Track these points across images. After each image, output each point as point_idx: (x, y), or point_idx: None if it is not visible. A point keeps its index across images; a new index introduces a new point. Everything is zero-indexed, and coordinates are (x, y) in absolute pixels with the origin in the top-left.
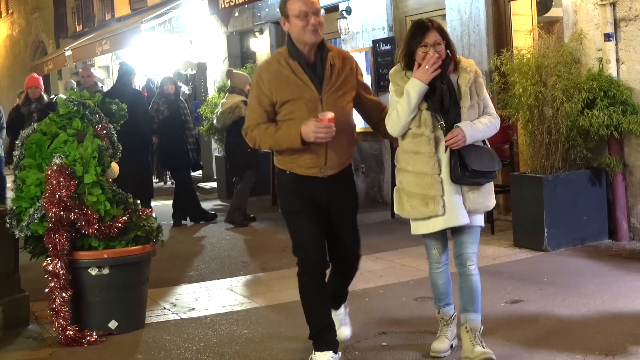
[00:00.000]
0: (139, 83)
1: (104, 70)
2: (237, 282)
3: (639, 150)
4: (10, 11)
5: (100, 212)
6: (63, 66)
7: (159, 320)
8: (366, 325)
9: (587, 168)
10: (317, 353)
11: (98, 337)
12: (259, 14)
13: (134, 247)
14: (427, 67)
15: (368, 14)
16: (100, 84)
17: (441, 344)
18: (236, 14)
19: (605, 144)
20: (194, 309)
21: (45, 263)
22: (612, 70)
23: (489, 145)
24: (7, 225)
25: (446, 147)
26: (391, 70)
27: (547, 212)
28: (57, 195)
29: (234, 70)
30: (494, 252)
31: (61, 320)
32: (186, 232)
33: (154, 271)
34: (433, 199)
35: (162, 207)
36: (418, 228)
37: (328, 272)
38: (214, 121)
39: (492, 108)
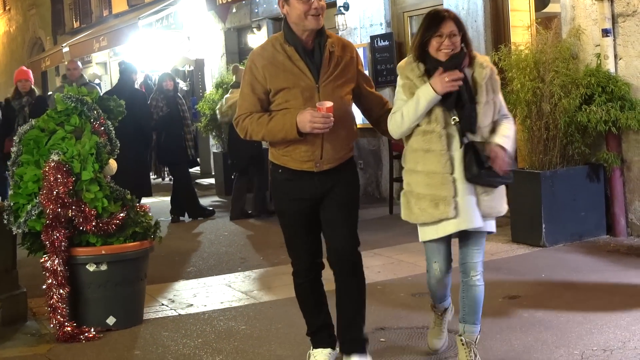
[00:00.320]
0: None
1: (102, 67)
2: (235, 278)
3: (636, 146)
4: (7, 7)
5: (97, 209)
6: (60, 62)
7: (157, 317)
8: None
9: (585, 164)
10: (315, 350)
11: (96, 333)
12: (256, 10)
13: (131, 244)
14: (447, 78)
15: (366, 10)
16: (97, 80)
17: (437, 340)
18: (234, 10)
19: (603, 139)
20: (192, 305)
21: (42, 260)
22: (610, 66)
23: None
24: (5, 222)
25: (461, 143)
26: (401, 62)
27: (545, 208)
28: (54, 192)
29: (240, 66)
30: (491, 247)
31: (59, 317)
32: (184, 228)
33: (152, 267)
34: (444, 200)
35: (160, 203)
36: (426, 233)
37: (326, 273)
38: (218, 116)
39: (506, 109)
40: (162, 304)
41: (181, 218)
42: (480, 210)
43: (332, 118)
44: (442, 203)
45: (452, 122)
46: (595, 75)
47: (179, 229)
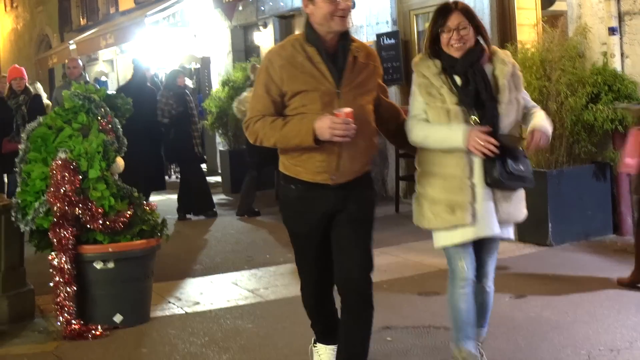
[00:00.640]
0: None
1: (108, 64)
2: (242, 277)
3: None
4: (14, 5)
5: (104, 207)
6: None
7: (164, 314)
8: None
9: (592, 163)
10: (320, 345)
11: (103, 331)
12: (262, 8)
13: (138, 241)
14: (481, 142)
15: (372, 8)
16: (104, 77)
17: None
18: (240, 8)
19: (610, 138)
20: (198, 303)
21: (50, 257)
22: (616, 64)
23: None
24: (13, 219)
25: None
26: (415, 59)
27: (551, 207)
28: (61, 190)
29: (257, 65)
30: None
31: (66, 315)
32: (191, 226)
33: (159, 265)
34: (461, 206)
35: (167, 201)
36: (440, 239)
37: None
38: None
39: (532, 101)
40: (169, 302)
41: (188, 216)
42: (497, 216)
43: (353, 125)
44: (458, 209)
45: (472, 122)
46: (601, 73)
47: (186, 227)
